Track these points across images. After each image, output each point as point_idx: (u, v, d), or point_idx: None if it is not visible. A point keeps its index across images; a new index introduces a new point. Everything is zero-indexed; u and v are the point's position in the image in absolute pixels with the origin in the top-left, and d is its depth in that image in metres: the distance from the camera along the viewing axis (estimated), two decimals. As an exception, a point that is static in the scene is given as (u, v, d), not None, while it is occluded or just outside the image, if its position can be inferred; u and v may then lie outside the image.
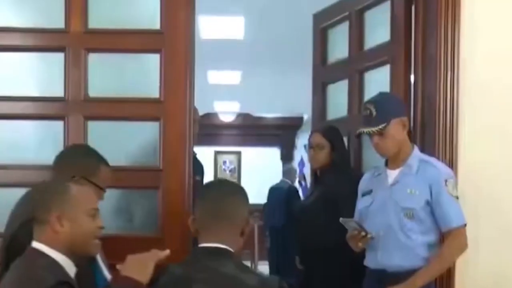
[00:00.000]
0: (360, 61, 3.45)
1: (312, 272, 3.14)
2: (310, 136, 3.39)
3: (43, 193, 1.85)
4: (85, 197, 1.87)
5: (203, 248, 1.85)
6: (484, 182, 2.87)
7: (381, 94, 2.78)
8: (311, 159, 3.38)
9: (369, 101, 2.70)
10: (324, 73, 3.85)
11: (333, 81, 3.75)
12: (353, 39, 3.51)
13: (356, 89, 3.46)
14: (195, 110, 3.57)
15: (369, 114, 2.63)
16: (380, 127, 2.59)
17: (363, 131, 2.66)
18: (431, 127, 2.90)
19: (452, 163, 2.82)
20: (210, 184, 2.09)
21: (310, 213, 3.30)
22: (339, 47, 3.69)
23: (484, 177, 2.87)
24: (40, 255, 1.78)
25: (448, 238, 2.56)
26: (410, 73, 3.09)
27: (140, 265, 1.80)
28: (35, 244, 1.80)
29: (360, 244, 2.63)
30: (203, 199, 1.91)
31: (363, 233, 2.58)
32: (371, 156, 3.05)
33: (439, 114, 2.88)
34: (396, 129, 2.62)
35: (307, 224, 3.31)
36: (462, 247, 2.57)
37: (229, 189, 1.94)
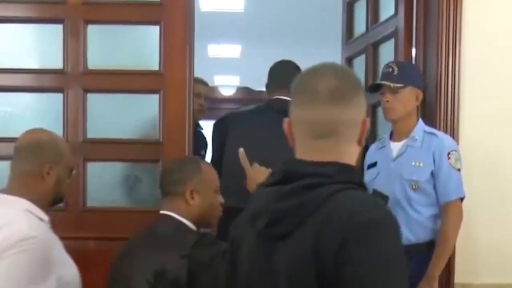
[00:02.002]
0: (373, 35, 3.44)
1: None
2: None
3: (177, 170, 2.12)
4: (213, 175, 2.17)
5: None
6: (486, 156, 2.86)
7: (408, 62, 2.85)
8: None
9: (393, 61, 2.75)
10: (349, 48, 3.84)
11: (357, 56, 3.74)
12: (370, 13, 3.48)
13: (371, 63, 3.44)
14: (204, 84, 3.53)
15: (391, 71, 2.65)
16: (398, 85, 2.60)
17: (381, 83, 2.67)
18: (432, 101, 2.88)
19: (453, 136, 2.81)
20: None
21: None
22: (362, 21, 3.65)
23: (486, 151, 2.87)
24: (173, 220, 2.06)
25: (445, 213, 2.55)
26: (411, 47, 3.06)
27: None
28: (167, 212, 2.08)
29: None
30: None
31: None
32: (384, 129, 3.03)
33: (440, 87, 2.87)
34: (410, 97, 2.64)
35: None
36: (460, 219, 2.58)
37: None
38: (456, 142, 2.76)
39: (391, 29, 3.18)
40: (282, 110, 2.80)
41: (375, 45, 3.40)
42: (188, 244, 1.95)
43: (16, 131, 2.93)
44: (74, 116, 2.93)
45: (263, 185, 1.27)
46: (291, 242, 1.16)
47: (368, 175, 2.75)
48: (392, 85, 2.61)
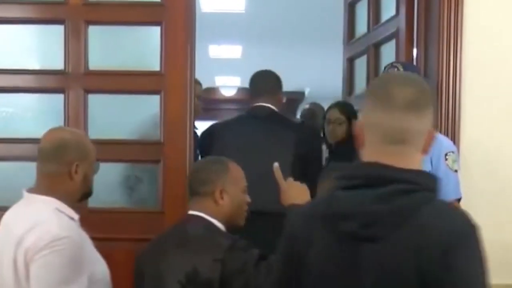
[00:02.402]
0: (375, 35, 3.45)
1: None
2: (327, 112, 3.56)
3: (206, 169, 2.12)
4: (241, 174, 2.16)
5: None
6: (486, 156, 2.85)
7: (410, 63, 2.84)
8: (329, 134, 3.53)
9: (397, 61, 2.76)
10: (351, 49, 3.85)
11: (358, 56, 3.75)
12: (371, 13, 3.49)
13: (373, 64, 3.45)
14: (198, 84, 3.56)
15: (396, 71, 2.62)
16: None
17: None
18: (433, 101, 2.86)
19: (454, 138, 2.80)
20: None
21: None
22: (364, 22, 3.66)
23: (486, 151, 2.85)
24: (203, 220, 2.05)
25: None
26: (412, 47, 3.06)
27: (300, 190, 2.05)
28: (196, 213, 2.06)
29: None
30: None
31: None
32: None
33: (441, 87, 2.85)
34: None
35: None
36: None
37: None
38: (456, 142, 2.76)
39: (392, 30, 3.18)
40: (263, 116, 2.97)
41: (377, 46, 3.40)
42: (221, 247, 1.93)
43: (17, 132, 2.96)
44: (75, 117, 2.92)
45: (338, 188, 1.30)
46: (386, 245, 1.21)
47: None
48: None
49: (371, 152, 1.31)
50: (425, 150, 1.32)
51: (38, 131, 2.93)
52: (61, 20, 2.93)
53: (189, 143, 2.95)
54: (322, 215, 1.30)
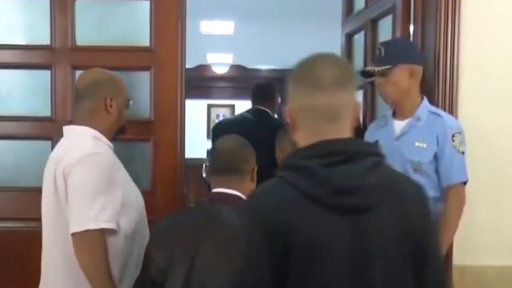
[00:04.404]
0: (372, 11, 3.36)
1: None
2: None
3: (244, 147, 2.05)
4: None
5: None
6: (485, 133, 2.81)
7: (396, 38, 2.75)
8: None
9: (381, 42, 2.66)
10: (349, 24, 3.77)
11: (356, 32, 3.67)
12: None
13: (370, 39, 3.36)
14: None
15: (378, 53, 2.58)
16: (383, 67, 2.52)
17: (367, 69, 2.61)
18: (430, 77, 2.81)
19: (451, 114, 2.73)
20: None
21: None
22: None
23: (485, 128, 2.81)
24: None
25: (447, 196, 2.49)
26: (409, 23, 2.98)
27: None
28: (236, 193, 1.94)
29: None
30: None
31: None
32: (384, 107, 2.96)
33: (439, 63, 2.79)
34: (401, 76, 2.52)
35: None
36: (462, 204, 2.51)
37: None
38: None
39: (388, 5, 3.10)
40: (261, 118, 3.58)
41: (374, 21, 3.33)
42: None
43: (3, 109, 2.89)
44: (63, 94, 2.88)
45: (322, 165, 1.32)
46: (381, 213, 1.34)
47: None
48: (377, 69, 2.53)
49: (310, 133, 1.39)
50: (354, 123, 1.43)
51: (23, 109, 2.89)
52: (47, -7, 2.85)
53: (180, 121, 2.89)
54: (310, 194, 1.31)
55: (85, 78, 2.24)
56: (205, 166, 2.13)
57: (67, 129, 2.19)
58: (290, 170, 1.35)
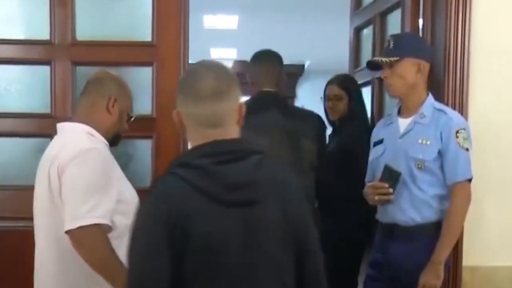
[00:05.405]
0: (381, 4, 3.33)
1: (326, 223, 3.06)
2: (326, 88, 3.38)
3: None
4: None
5: None
6: (495, 131, 2.76)
7: (407, 32, 2.76)
8: (329, 111, 3.38)
9: (391, 35, 2.65)
10: (357, 18, 3.73)
11: (365, 26, 3.64)
12: None
13: (379, 33, 3.33)
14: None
15: (387, 45, 2.56)
16: (390, 59, 2.49)
17: (374, 59, 2.59)
18: (439, 74, 2.76)
19: (462, 111, 2.70)
20: None
21: (327, 163, 3.23)
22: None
23: (496, 127, 2.76)
24: None
25: (452, 193, 2.44)
26: (418, 16, 2.94)
27: None
28: None
29: (376, 198, 2.51)
30: None
31: (390, 190, 2.46)
32: (392, 103, 2.92)
33: (449, 60, 2.74)
34: (408, 69, 2.49)
35: (323, 174, 3.26)
36: (467, 202, 2.46)
37: None
38: (464, 115, 2.66)
39: (397, -2, 3.05)
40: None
41: (383, 15, 3.28)
42: None
43: (1, 106, 2.84)
44: (62, 90, 2.85)
45: (214, 164, 1.46)
46: (267, 206, 1.50)
47: (374, 152, 2.65)
48: (385, 60, 2.50)
49: (198, 136, 1.54)
50: (239, 122, 1.57)
51: (22, 106, 2.85)
52: (46, -13, 2.83)
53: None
54: (204, 189, 1.45)
55: (96, 74, 2.25)
56: None
57: (60, 126, 2.16)
58: (184, 168, 1.47)
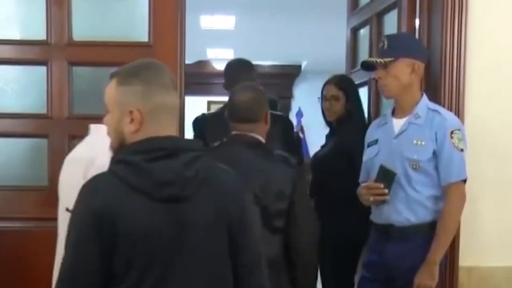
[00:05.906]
0: (378, 4, 3.32)
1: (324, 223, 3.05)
2: (324, 88, 3.37)
3: (258, 99, 2.39)
4: None
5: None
6: (491, 133, 2.76)
7: (402, 33, 2.76)
8: (326, 111, 3.35)
9: (386, 35, 2.65)
10: (354, 18, 3.73)
11: (362, 26, 3.64)
12: None
13: (376, 34, 3.32)
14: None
15: (381, 46, 2.55)
16: (384, 60, 2.48)
17: (368, 60, 2.59)
18: (436, 75, 2.77)
19: (458, 113, 2.70)
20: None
21: (325, 164, 3.26)
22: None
23: (491, 128, 2.76)
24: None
25: (447, 194, 2.44)
26: (415, 17, 2.94)
27: None
28: (254, 135, 2.34)
29: (371, 199, 2.51)
30: None
31: (385, 190, 2.46)
32: (389, 103, 2.91)
33: (445, 61, 2.74)
34: (402, 70, 2.49)
35: (320, 174, 3.29)
36: (462, 202, 2.46)
37: None
38: (460, 117, 2.66)
39: (393, -1, 3.05)
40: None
41: (379, 15, 3.29)
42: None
43: (-3, 106, 2.84)
44: (59, 91, 2.86)
45: (146, 160, 1.51)
46: (197, 202, 1.56)
47: (368, 153, 2.64)
48: (380, 60, 2.49)
49: (154, 128, 1.59)
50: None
51: (18, 106, 2.84)
52: (42, -13, 2.83)
53: (180, 118, 2.83)
54: (135, 186, 1.50)
55: None
56: None
57: (94, 127, 2.16)
58: (120, 164, 1.54)
